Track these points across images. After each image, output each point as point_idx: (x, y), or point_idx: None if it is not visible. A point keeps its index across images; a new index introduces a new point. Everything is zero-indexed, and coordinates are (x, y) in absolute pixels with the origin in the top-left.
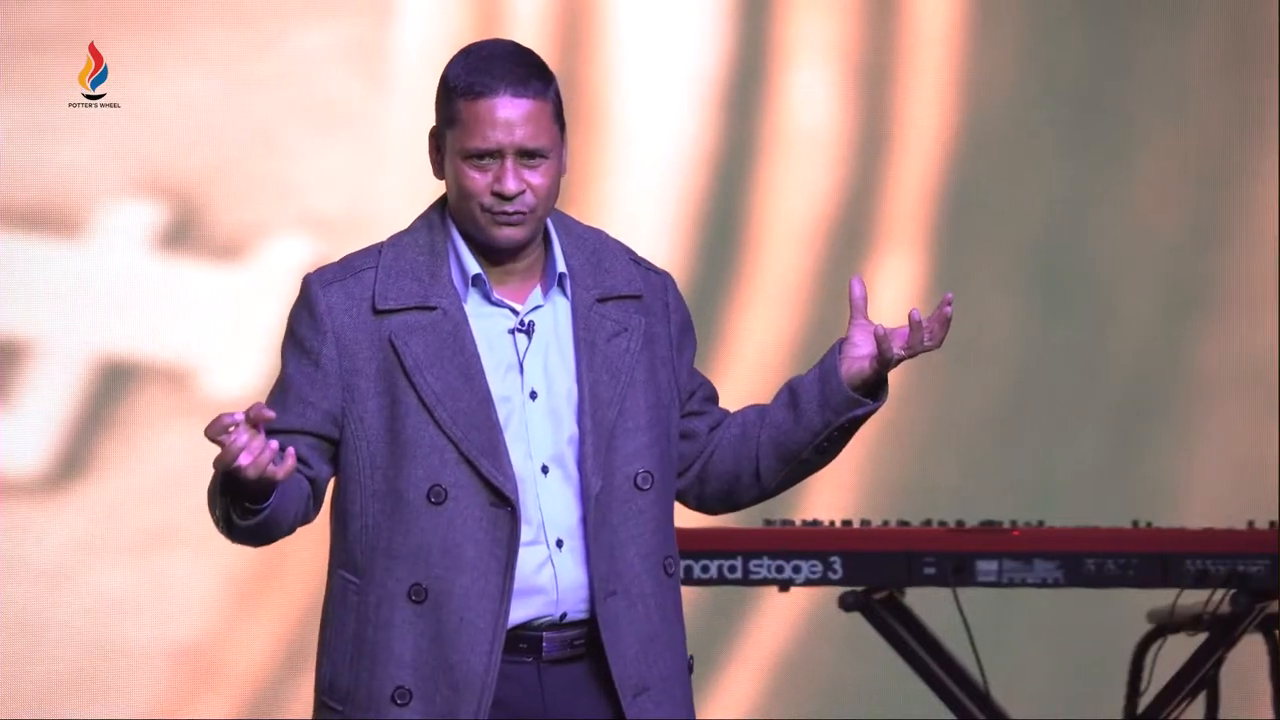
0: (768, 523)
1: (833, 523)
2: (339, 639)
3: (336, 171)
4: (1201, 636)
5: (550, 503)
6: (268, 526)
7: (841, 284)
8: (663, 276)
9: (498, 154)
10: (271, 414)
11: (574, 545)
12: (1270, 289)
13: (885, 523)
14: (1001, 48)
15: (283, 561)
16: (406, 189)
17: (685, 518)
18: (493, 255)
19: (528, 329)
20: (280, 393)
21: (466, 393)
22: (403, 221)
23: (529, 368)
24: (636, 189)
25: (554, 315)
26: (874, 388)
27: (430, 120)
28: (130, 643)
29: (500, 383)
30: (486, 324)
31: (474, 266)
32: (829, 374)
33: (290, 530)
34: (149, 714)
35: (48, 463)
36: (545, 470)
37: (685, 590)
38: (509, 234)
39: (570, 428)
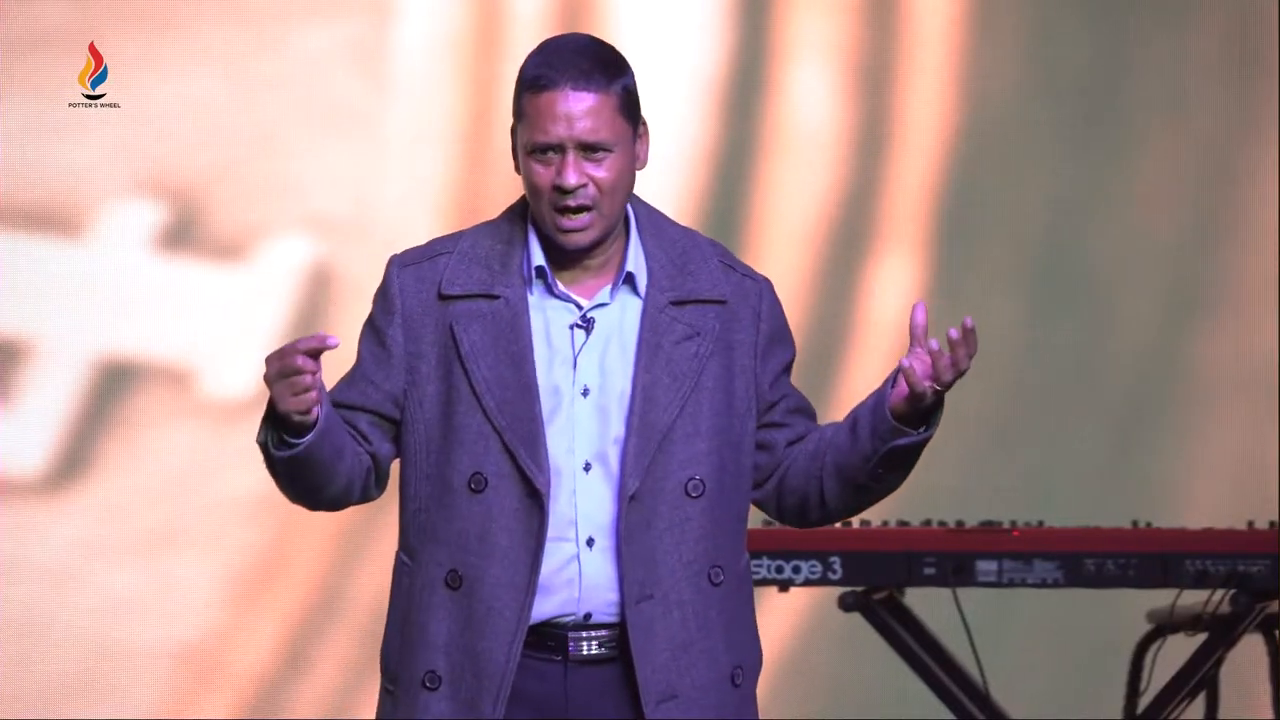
0: (767, 523)
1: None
2: (392, 620)
3: (339, 171)
4: (1201, 637)
5: (587, 500)
6: (307, 471)
7: (841, 283)
8: (759, 283)
9: (559, 148)
10: (334, 340)
11: (605, 545)
12: (1270, 289)
13: (885, 523)
14: (1001, 47)
15: (286, 561)
16: (408, 189)
17: None
18: (567, 250)
19: (588, 325)
20: (352, 369)
21: (514, 382)
22: (404, 222)
23: (583, 363)
24: (636, 188)
25: (620, 314)
26: (926, 415)
27: (431, 120)
28: (133, 643)
29: (552, 376)
30: (549, 316)
31: (539, 258)
32: (881, 402)
33: (342, 494)
34: (152, 714)
35: (50, 463)
36: (587, 467)
37: None
38: (574, 239)
39: (618, 427)
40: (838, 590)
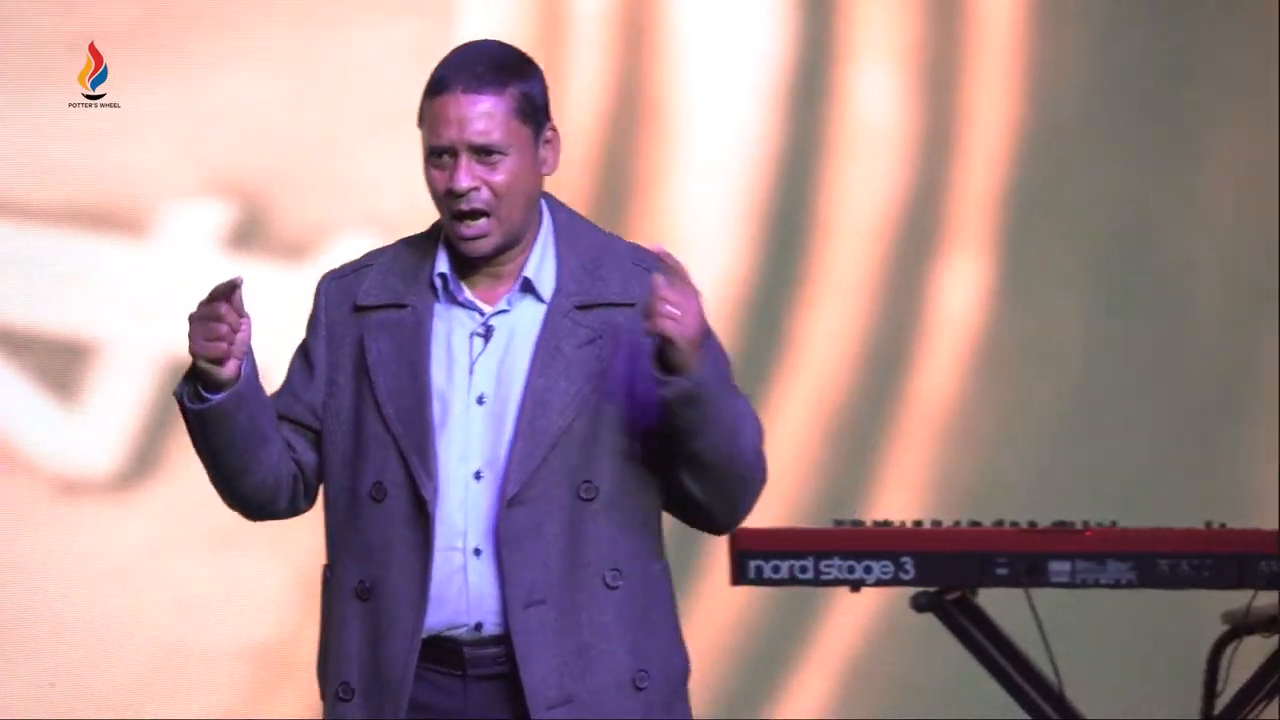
0: (838, 523)
1: (904, 523)
2: (320, 633)
3: (402, 172)
4: (1277, 638)
5: (476, 509)
6: (221, 437)
7: (908, 284)
8: None
9: (452, 151)
10: (239, 279)
11: (491, 553)
12: None
13: (957, 523)
14: (1067, 45)
15: None
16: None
17: (759, 518)
18: (470, 258)
19: (487, 332)
20: (283, 381)
21: (410, 390)
22: None
23: (479, 371)
24: (700, 188)
25: (521, 320)
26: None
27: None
28: (203, 642)
29: (449, 384)
30: (452, 324)
31: (443, 265)
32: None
33: (267, 489)
34: (223, 713)
35: (118, 462)
36: (478, 476)
37: (756, 591)
38: (474, 246)
39: (511, 434)
40: (909, 590)
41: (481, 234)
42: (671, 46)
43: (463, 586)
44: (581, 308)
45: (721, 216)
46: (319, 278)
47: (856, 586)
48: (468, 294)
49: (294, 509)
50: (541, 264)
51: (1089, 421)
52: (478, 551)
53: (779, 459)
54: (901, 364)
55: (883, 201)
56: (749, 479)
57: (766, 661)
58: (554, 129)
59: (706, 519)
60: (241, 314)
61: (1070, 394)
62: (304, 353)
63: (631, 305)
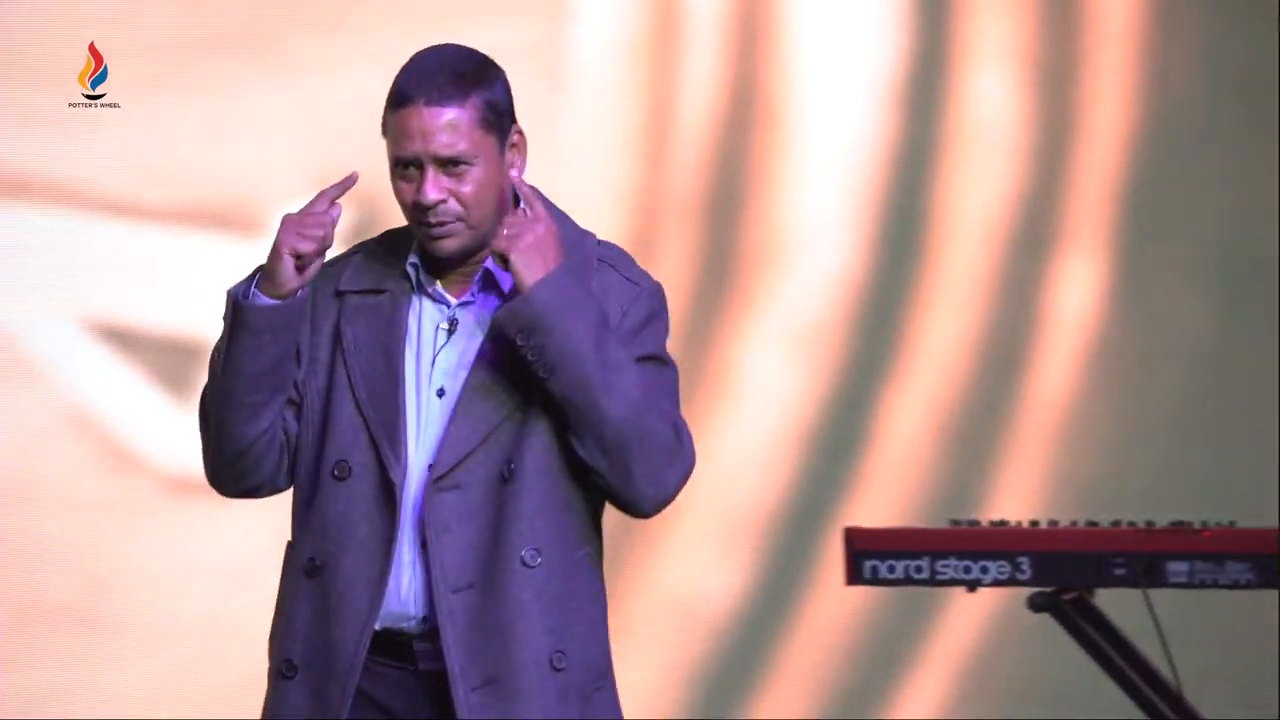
0: (954, 523)
1: (1020, 523)
2: (275, 608)
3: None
4: None
5: (423, 501)
6: (254, 358)
7: (1024, 284)
8: (640, 286)
9: (417, 163)
10: (352, 178)
11: (430, 539)
12: None
13: (1074, 523)
14: (1183, 45)
15: None
16: (584, 190)
17: (875, 518)
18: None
19: (450, 325)
20: None
21: (384, 375)
22: (579, 222)
23: (440, 363)
24: (814, 188)
25: (479, 313)
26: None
27: (607, 122)
28: None
29: (416, 375)
30: (423, 315)
31: (414, 257)
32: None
33: (261, 445)
34: None
35: None
36: (432, 467)
37: (872, 591)
38: (443, 246)
39: (446, 419)
40: (1026, 591)
41: (449, 234)
42: (787, 47)
43: (412, 578)
44: None
45: (836, 217)
46: None
47: (973, 587)
48: (437, 286)
49: (274, 484)
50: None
51: (1206, 421)
52: (425, 543)
53: (894, 459)
54: (1017, 364)
55: (998, 202)
56: (635, 446)
57: (882, 661)
58: (520, 132)
59: (610, 493)
60: (337, 217)
61: (1187, 394)
62: None
63: None
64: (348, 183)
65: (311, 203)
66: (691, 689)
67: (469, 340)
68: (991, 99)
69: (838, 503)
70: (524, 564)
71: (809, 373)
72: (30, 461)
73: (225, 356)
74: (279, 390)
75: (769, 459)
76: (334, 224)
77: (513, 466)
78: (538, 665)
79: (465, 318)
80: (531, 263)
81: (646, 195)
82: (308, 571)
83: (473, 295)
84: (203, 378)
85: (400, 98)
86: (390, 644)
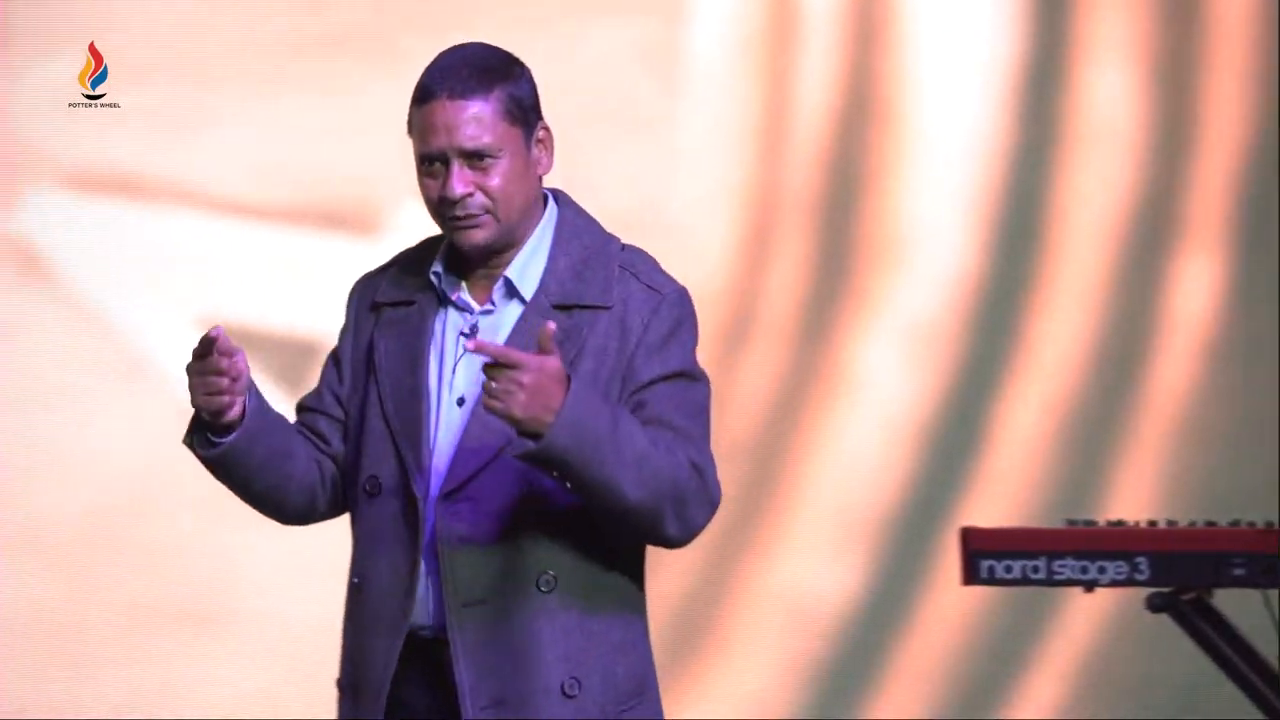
0: (1071, 523)
1: (1138, 523)
2: None
3: (631, 171)
4: None
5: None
6: (241, 472)
7: (1143, 282)
8: (662, 293)
9: (442, 158)
10: (215, 330)
11: (441, 550)
12: None
13: (1192, 523)
14: None
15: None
16: (701, 189)
17: (991, 518)
18: (467, 253)
19: (471, 332)
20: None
21: (408, 387)
22: (697, 222)
23: (460, 372)
24: (931, 186)
25: (502, 321)
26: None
27: (724, 120)
28: None
29: (439, 383)
30: (447, 323)
31: (439, 264)
32: None
33: (302, 501)
34: None
35: None
36: (449, 474)
37: (988, 591)
38: (470, 237)
39: (460, 431)
40: (1143, 591)
41: (477, 226)
42: (903, 44)
43: (426, 588)
44: (559, 308)
45: (953, 215)
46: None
47: (1090, 587)
48: (460, 293)
49: (334, 510)
50: (528, 264)
51: None
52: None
53: (1011, 458)
54: (1136, 362)
55: (1117, 200)
56: (659, 507)
57: (998, 662)
58: (546, 128)
59: (636, 537)
60: (234, 353)
61: None
62: (336, 347)
63: (607, 308)
64: (210, 338)
65: (194, 363)
66: (806, 689)
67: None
68: (1110, 96)
69: (954, 502)
70: (538, 589)
71: (925, 372)
72: (146, 461)
73: (219, 481)
74: (286, 460)
75: (884, 458)
76: (235, 372)
77: (533, 483)
78: (548, 692)
79: (485, 325)
80: (538, 414)
81: (762, 193)
82: (352, 590)
83: (493, 304)
84: (315, 378)
85: (424, 93)
86: (424, 648)
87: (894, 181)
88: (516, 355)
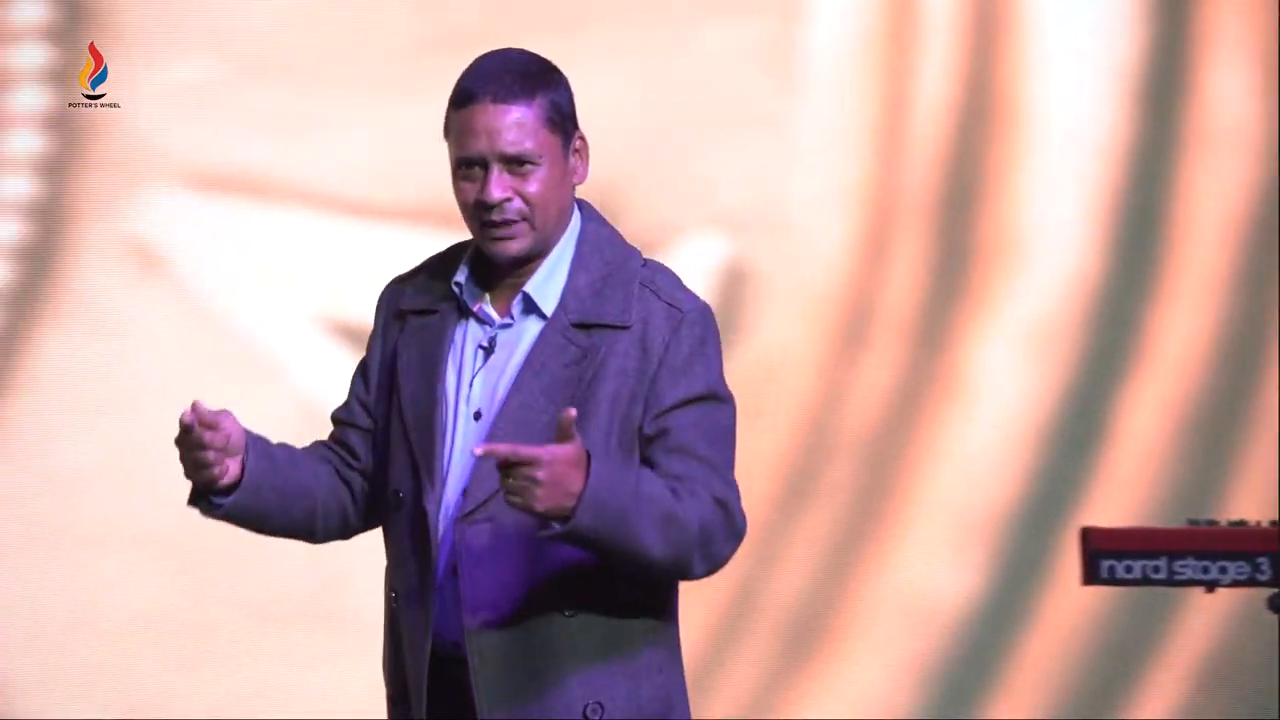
0: (1192, 523)
1: (1259, 523)
2: None
3: (750, 170)
4: None
5: (451, 525)
6: (255, 523)
7: (1262, 281)
8: (684, 311)
9: (482, 162)
10: (186, 415)
11: (460, 569)
12: None
13: None
14: None
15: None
16: (819, 188)
17: (1111, 518)
18: (499, 262)
19: (489, 346)
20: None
21: (425, 400)
22: (816, 220)
23: (478, 385)
24: (1050, 186)
25: (519, 335)
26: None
27: (842, 119)
28: None
29: (456, 397)
30: (467, 335)
31: (461, 274)
32: None
33: (324, 527)
34: None
35: None
36: (467, 492)
37: (1108, 591)
38: (506, 247)
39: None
40: (1265, 591)
41: (512, 235)
42: (1023, 43)
43: (440, 604)
44: (579, 326)
45: (1072, 215)
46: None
47: (1211, 587)
48: (481, 305)
49: (369, 523)
50: (549, 279)
51: None
52: (454, 568)
53: (1131, 458)
54: (1256, 362)
55: (1238, 199)
56: (685, 557)
57: (1118, 662)
58: (582, 138)
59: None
60: (216, 424)
61: None
62: (365, 355)
63: (626, 328)
64: (186, 424)
65: (179, 441)
66: (924, 689)
67: (506, 362)
68: (1231, 95)
69: (1074, 502)
70: (560, 612)
71: (1044, 371)
72: None
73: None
74: (303, 496)
75: (1003, 458)
76: (220, 442)
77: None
78: (569, 715)
79: (504, 338)
80: (559, 503)
81: (880, 192)
82: (389, 603)
83: (512, 318)
84: None
85: (465, 96)
86: (450, 663)
87: (1013, 178)
88: (528, 453)
